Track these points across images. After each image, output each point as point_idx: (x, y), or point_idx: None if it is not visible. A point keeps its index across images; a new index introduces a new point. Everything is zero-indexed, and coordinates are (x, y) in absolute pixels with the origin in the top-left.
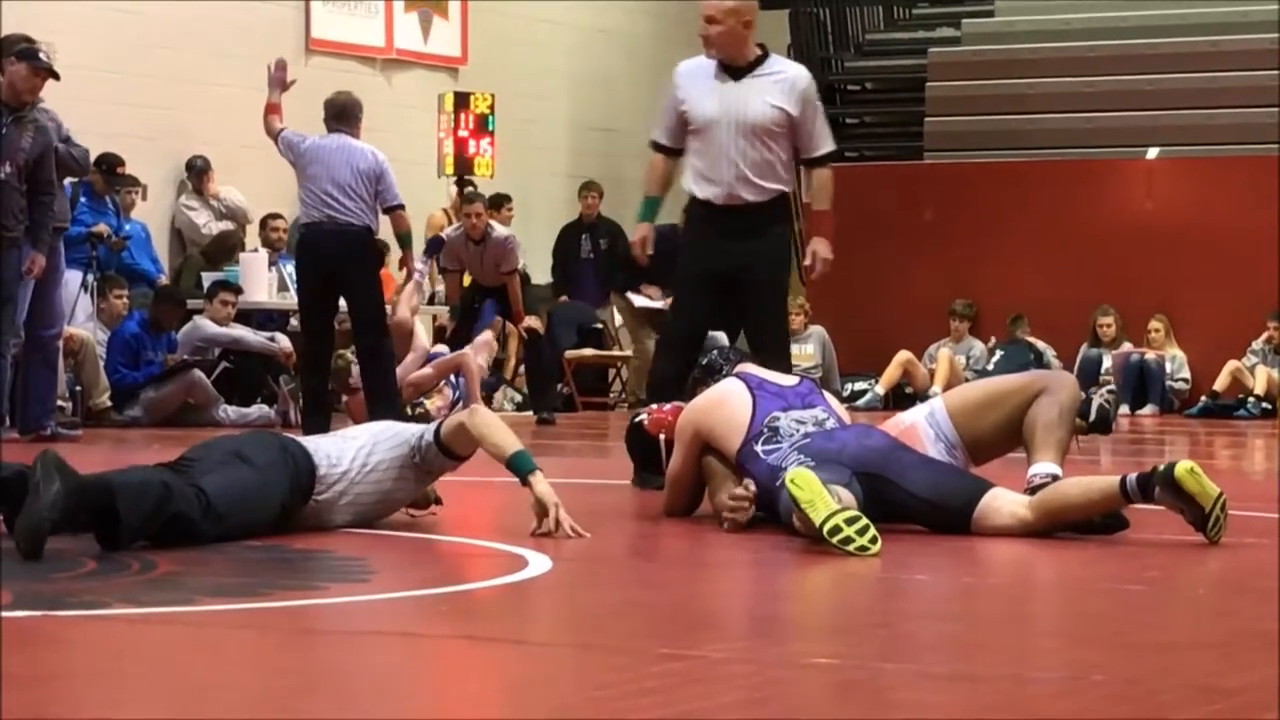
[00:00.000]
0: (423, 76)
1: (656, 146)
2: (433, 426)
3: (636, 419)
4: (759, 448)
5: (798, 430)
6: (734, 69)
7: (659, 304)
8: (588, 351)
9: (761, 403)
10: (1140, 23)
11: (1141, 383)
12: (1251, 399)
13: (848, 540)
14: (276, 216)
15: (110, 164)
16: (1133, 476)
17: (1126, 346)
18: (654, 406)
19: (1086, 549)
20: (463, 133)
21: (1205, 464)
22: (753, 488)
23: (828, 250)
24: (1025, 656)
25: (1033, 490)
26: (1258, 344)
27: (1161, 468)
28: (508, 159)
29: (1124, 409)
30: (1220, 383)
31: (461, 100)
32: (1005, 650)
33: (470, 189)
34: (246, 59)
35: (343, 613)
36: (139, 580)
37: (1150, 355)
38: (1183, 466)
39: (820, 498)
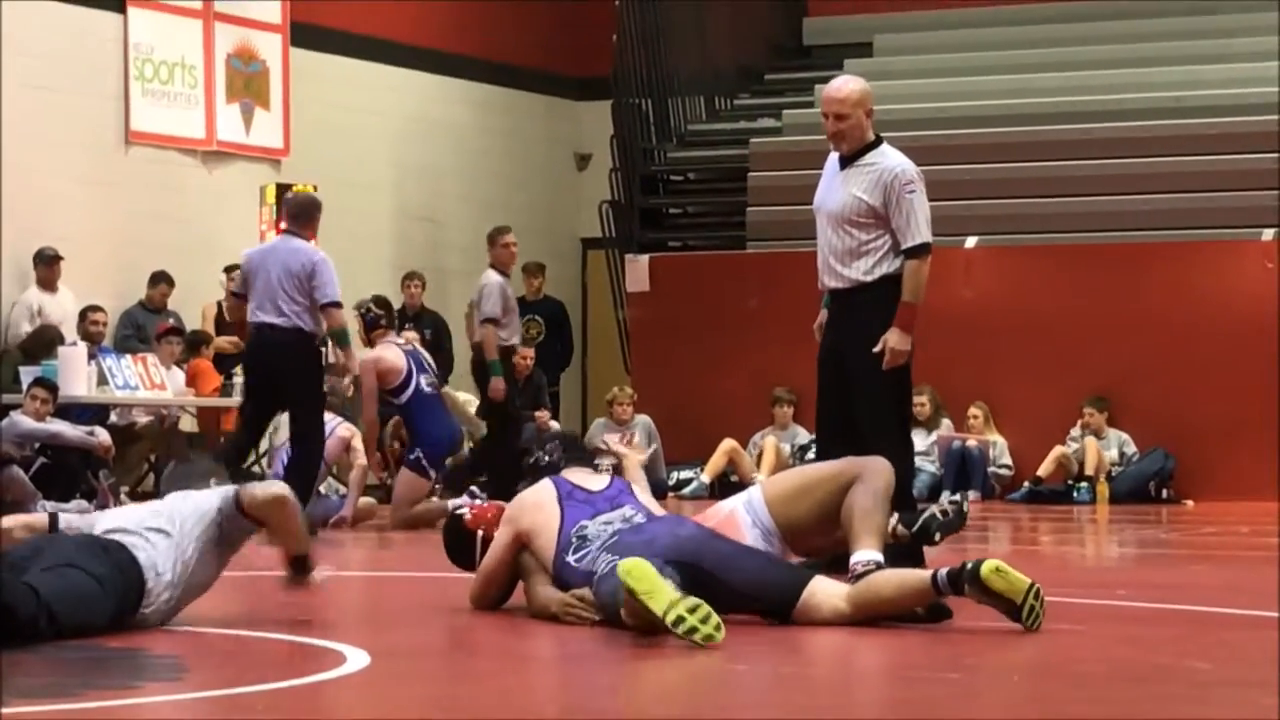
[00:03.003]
0: (245, 168)
1: None
2: (231, 495)
3: (458, 511)
4: (570, 558)
5: (605, 530)
6: (844, 158)
7: None
8: None
9: (569, 512)
10: (957, 114)
11: (963, 469)
12: (1084, 483)
13: (692, 630)
14: (97, 309)
15: None
16: (943, 572)
17: (945, 424)
18: (475, 502)
19: (906, 637)
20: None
21: (1028, 550)
22: (586, 594)
23: (898, 340)
24: None
25: (857, 578)
26: (1075, 430)
27: (969, 565)
28: (331, 249)
29: (945, 495)
30: (1045, 469)
31: (284, 191)
32: None
33: None
34: (67, 150)
35: (155, 713)
36: None
37: (971, 441)
38: (988, 566)
39: (659, 588)
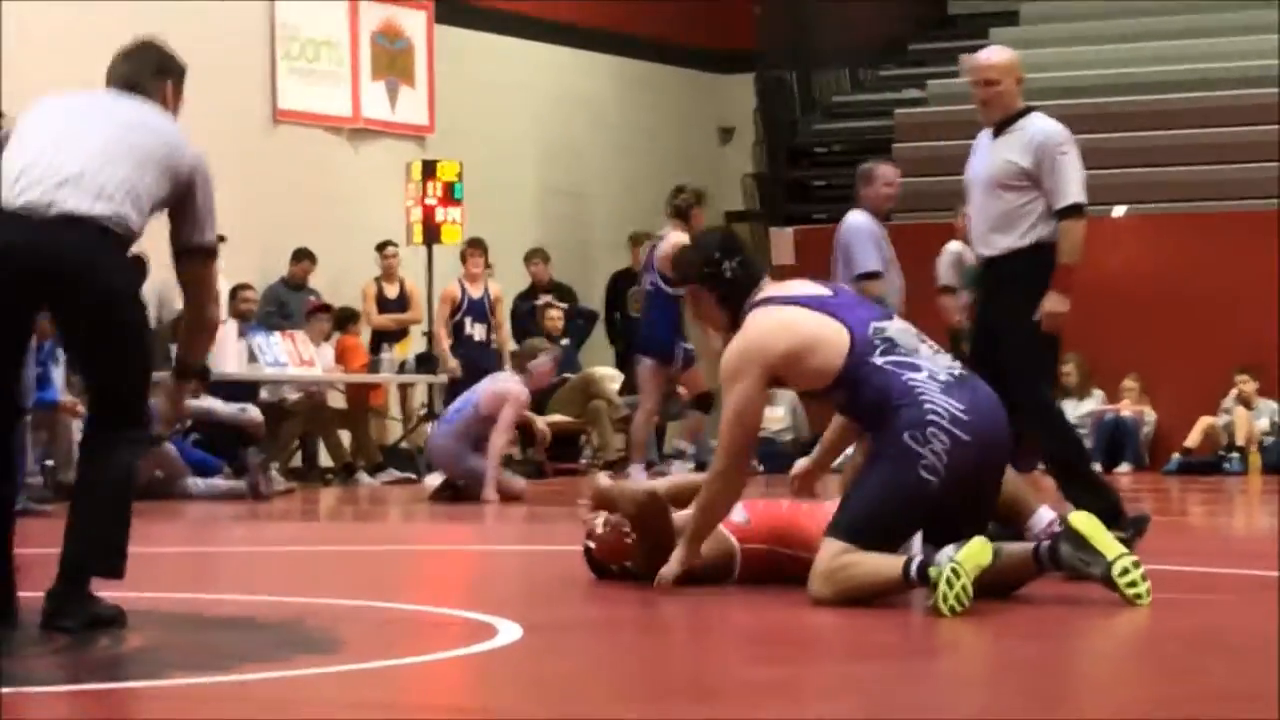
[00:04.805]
0: (390, 145)
1: None
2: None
3: (587, 544)
4: (879, 361)
5: (920, 347)
6: (995, 127)
7: None
8: (557, 417)
9: (845, 315)
10: (1103, 81)
11: (1114, 439)
12: (1235, 454)
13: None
14: (246, 287)
15: None
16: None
17: (1097, 395)
18: (596, 529)
19: (1057, 606)
20: (430, 200)
21: (1180, 521)
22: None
23: (1056, 303)
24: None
25: (1052, 537)
26: (1228, 401)
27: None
28: (476, 226)
29: (1096, 467)
30: (1192, 439)
31: (429, 168)
32: (970, 709)
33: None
34: (215, 129)
35: (311, 686)
36: (110, 655)
37: (1126, 412)
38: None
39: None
